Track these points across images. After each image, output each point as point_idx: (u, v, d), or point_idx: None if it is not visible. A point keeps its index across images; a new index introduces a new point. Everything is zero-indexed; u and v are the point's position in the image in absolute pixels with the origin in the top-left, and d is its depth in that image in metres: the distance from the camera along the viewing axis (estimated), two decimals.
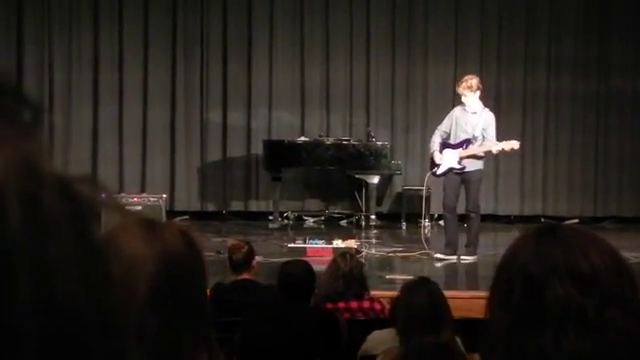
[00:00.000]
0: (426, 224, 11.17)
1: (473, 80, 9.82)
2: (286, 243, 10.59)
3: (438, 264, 9.84)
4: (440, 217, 11.84)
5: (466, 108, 9.86)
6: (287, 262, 5.59)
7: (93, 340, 0.59)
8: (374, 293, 6.16)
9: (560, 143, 13.92)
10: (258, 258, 6.66)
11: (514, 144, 9.86)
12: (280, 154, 12.70)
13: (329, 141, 12.80)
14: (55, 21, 13.69)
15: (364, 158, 12.53)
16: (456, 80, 10.76)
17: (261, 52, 13.81)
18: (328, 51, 13.87)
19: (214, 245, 9.76)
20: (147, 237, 1.66)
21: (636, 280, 1.53)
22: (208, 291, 1.93)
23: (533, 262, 1.51)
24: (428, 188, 11.14)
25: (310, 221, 13.49)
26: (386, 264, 9.92)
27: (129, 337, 0.63)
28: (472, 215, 9.97)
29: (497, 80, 13.79)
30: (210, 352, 1.72)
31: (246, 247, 6.16)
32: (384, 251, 10.59)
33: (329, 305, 5.55)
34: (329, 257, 7.28)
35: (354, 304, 5.69)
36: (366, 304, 5.74)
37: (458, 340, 4.02)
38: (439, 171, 9.98)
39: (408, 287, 4.20)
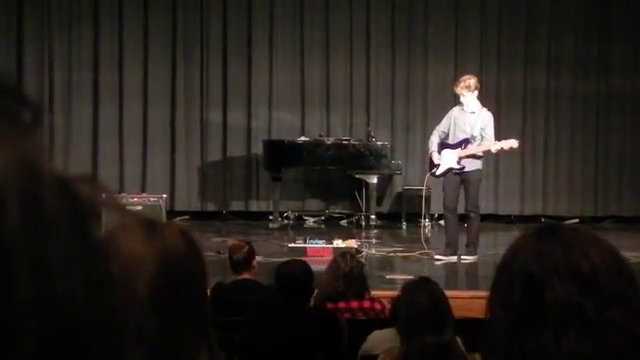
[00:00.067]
0: (426, 224, 11.17)
1: (471, 80, 9.82)
2: (286, 243, 10.59)
3: (438, 264, 9.84)
4: (440, 217, 11.84)
5: (464, 108, 9.86)
6: (284, 262, 5.57)
7: (93, 340, 0.59)
8: (374, 293, 6.16)
9: (560, 143, 13.92)
10: (258, 258, 6.66)
11: (513, 143, 9.86)
12: (280, 154, 12.70)
13: (329, 141, 12.81)
14: (55, 21, 13.70)
15: (364, 158, 12.53)
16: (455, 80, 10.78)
17: (261, 52, 13.81)
18: (328, 51, 13.87)
19: (214, 245, 9.77)
20: (147, 237, 1.66)
21: (636, 280, 1.53)
22: (208, 291, 1.93)
23: (533, 262, 1.51)
24: (428, 188, 11.14)
25: (310, 221, 13.49)
26: (386, 264, 9.92)
27: (129, 337, 0.63)
28: (472, 215, 9.97)
29: (497, 80, 13.79)
30: (210, 352, 1.72)
31: (246, 247, 6.15)
32: (384, 251, 10.59)
33: (329, 305, 5.55)
34: (329, 257, 7.28)
35: (354, 304, 5.69)
36: (366, 304, 5.74)
37: (459, 340, 4.02)
38: (438, 172, 9.98)
39: (409, 287, 4.19)
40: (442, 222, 11.38)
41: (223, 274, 6.39)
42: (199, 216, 13.46)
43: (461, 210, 10.12)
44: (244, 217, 13.58)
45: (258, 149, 13.42)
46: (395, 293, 4.59)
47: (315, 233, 11.69)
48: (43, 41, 13.68)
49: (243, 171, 13.85)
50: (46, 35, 13.68)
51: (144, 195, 11.80)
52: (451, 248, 9.97)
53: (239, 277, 6.01)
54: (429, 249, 10.22)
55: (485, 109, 9.93)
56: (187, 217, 13.33)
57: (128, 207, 9.86)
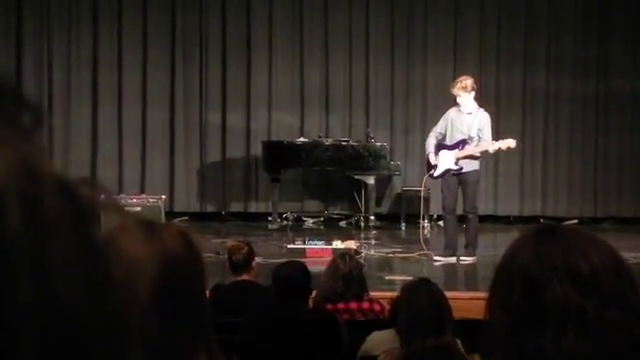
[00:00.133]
0: (425, 225, 11.17)
1: (467, 81, 9.82)
2: (285, 244, 10.60)
3: (437, 264, 9.85)
4: (439, 218, 11.84)
5: (461, 109, 9.86)
6: (281, 264, 5.55)
7: (93, 341, 0.59)
8: (373, 294, 6.16)
9: (559, 143, 13.92)
10: (258, 259, 6.65)
11: (510, 142, 9.86)
12: (279, 155, 12.70)
13: (328, 142, 12.81)
14: (54, 22, 13.70)
15: (363, 159, 12.54)
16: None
17: (260, 53, 13.81)
18: (327, 52, 13.87)
19: (213, 246, 9.76)
20: (146, 238, 1.66)
21: (636, 280, 1.53)
22: (207, 292, 1.93)
23: (533, 263, 1.51)
24: (427, 189, 11.14)
25: (309, 222, 13.49)
26: (385, 265, 9.92)
27: (129, 338, 0.63)
28: (470, 216, 9.96)
29: (496, 80, 13.79)
30: (210, 353, 1.72)
31: (246, 248, 6.14)
32: (383, 252, 10.59)
33: (329, 306, 5.55)
34: (328, 258, 7.29)
35: (353, 305, 5.68)
36: (365, 305, 5.73)
37: (458, 342, 4.01)
38: (436, 173, 9.98)
39: (408, 288, 4.19)
40: (441, 223, 11.39)
41: (222, 275, 6.39)
42: (198, 217, 13.46)
43: (460, 211, 10.12)
44: (243, 218, 13.58)
45: (257, 150, 13.42)
46: (394, 294, 4.59)
47: (314, 234, 11.69)
48: (42, 42, 13.68)
49: (242, 172, 13.85)
50: (45, 36, 13.68)
51: (143, 196, 11.80)
52: (450, 249, 9.97)
53: (238, 278, 6.01)
54: (428, 250, 10.23)
55: (482, 110, 9.92)
56: (186, 218, 13.33)
57: (127, 208, 9.86)
